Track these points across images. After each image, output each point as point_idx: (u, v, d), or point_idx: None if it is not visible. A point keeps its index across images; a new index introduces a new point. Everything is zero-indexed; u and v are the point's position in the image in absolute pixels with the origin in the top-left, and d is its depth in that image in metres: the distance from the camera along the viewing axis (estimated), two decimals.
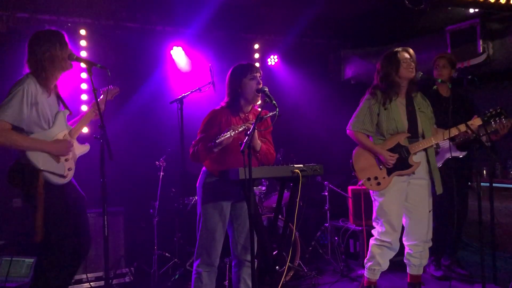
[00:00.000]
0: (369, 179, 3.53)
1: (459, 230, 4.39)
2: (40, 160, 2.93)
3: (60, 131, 3.09)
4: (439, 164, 4.09)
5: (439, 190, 3.56)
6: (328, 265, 4.99)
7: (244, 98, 3.24)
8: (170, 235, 4.87)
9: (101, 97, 3.40)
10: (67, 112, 3.19)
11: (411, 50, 3.54)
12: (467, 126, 3.48)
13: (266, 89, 3.07)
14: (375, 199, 3.60)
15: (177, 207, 4.87)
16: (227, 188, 3.21)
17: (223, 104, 3.31)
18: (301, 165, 3.03)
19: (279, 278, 3.22)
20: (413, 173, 3.51)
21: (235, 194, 3.25)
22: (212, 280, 3.27)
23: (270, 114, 3.09)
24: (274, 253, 3.25)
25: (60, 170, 3.02)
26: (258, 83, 3.20)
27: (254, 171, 2.80)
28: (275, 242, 3.36)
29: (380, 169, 3.52)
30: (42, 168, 2.91)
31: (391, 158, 3.46)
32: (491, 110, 3.61)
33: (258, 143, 3.16)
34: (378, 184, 3.50)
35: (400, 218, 3.53)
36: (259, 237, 3.04)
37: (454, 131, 3.52)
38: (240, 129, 3.04)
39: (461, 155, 4.11)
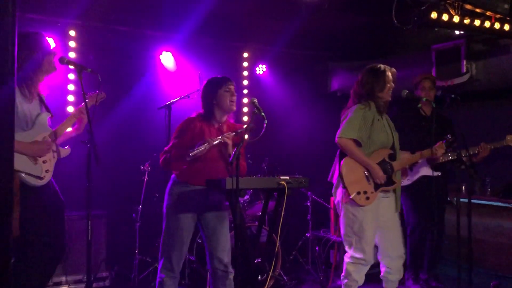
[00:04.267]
0: (359, 193, 3.38)
1: (439, 245, 4.44)
2: (16, 161, 2.88)
3: (40, 133, 3.07)
4: (414, 179, 4.18)
5: (398, 208, 3.58)
6: (308, 275, 5.04)
7: (219, 108, 3.32)
8: (152, 240, 4.85)
9: (87, 101, 3.37)
10: (49, 115, 3.18)
11: (393, 70, 3.56)
12: (432, 150, 3.67)
13: (255, 100, 3.13)
14: (353, 215, 3.41)
15: (159, 212, 4.84)
16: (193, 198, 3.25)
17: (196, 114, 3.38)
18: (287, 177, 3.07)
19: None
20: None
21: (201, 204, 3.28)
22: (175, 286, 3.32)
23: (246, 126, 3.17)
24: (256, 261, 3.28)
25: (37, 172, 3.00)
26: (233, 95, 3.31)
27: (241, 182, 2.84)
28: (258, 251, 3.39)
29: (369, 183, 3.43)
30: (17, 169, 2.88)
31: (383, 176, 3.42)
32: (448, 136, 3.81)
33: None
34: (367, 198, 3.38)
35: (375, 234, 3.48)
36: (242, 247, 3.07)
37: (417, 156, 3.70)
38: (215, 142, 3.10)
39: (435, 174, 4.06)
